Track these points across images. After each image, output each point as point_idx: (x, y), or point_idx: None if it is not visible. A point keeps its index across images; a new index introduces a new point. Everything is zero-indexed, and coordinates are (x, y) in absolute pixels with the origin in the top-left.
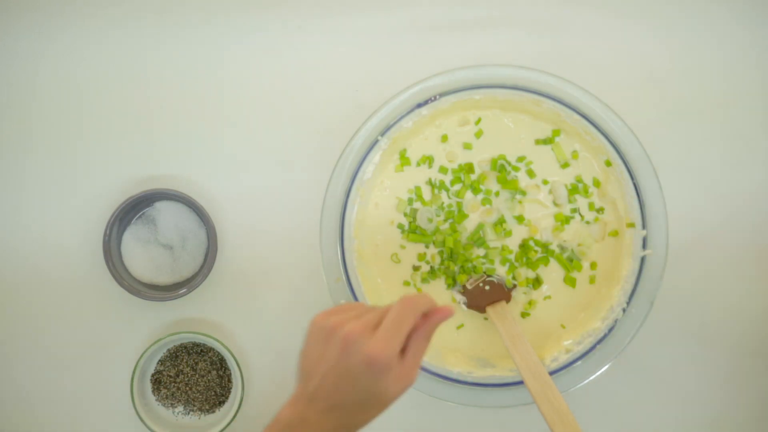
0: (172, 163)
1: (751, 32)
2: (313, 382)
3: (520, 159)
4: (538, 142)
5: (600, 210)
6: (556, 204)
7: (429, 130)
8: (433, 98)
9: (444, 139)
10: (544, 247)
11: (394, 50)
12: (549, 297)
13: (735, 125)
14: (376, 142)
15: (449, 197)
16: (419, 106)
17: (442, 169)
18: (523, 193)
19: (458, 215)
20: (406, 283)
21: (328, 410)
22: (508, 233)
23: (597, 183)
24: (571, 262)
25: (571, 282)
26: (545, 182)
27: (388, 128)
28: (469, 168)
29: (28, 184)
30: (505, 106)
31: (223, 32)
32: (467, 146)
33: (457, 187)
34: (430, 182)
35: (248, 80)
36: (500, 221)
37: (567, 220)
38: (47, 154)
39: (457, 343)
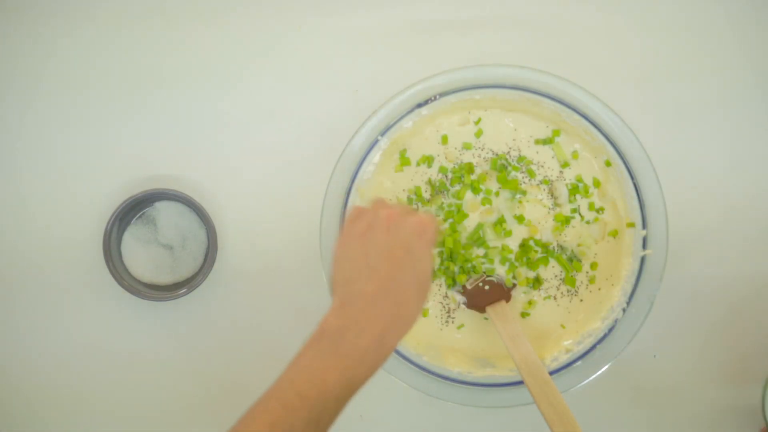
0: (172, 164)
1: (750, 32)
2: (361, 277)
3: (521, 159)
4: (537, 141)
5: (600, 210)
6: (556, 204)
7: (429, 130)
8: (433, 98)
9: (444, 139)
10: (544, 247)
11: (394, 50)
12: (549, 297)
13: (735, 125)
14: (376, 142)
15: (449, 197)
16: (419, 106)
17: (442, 169)
18: (523, 192)
19: (458, 215)
20: None
21: (376, 303)
22: (508, 233)
23: (597, 183)
24: (571, 262)
25: (571, 282)
26: (545, 182)
27: (388, 128)
28: (469, 168)
29: (28, 183)
30: (505, 106)
31: (223, 33)
32: (467, 146)
33: (457, 187)
34: (430, 182)
35: (248, 80)
36: (500, 221)
37: (567, 220)
38: (47, 153)
39: (457, 343)
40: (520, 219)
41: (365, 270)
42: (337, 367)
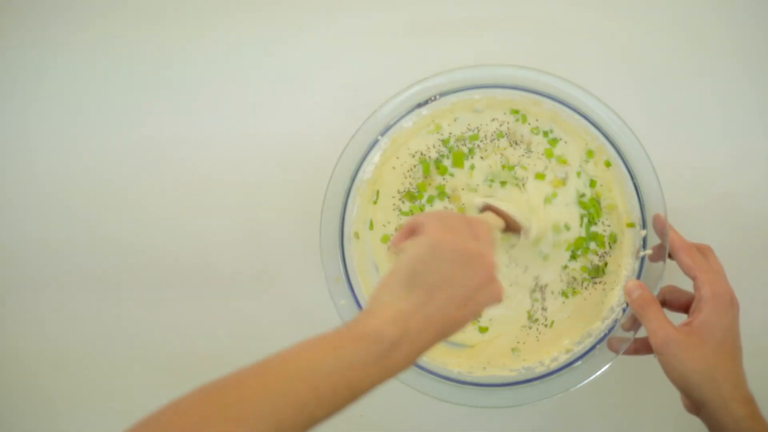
0: (172, 162)
1: (750, 33)
2: (439, 297)
3: (524, 167)
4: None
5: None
6: (528, 149)
7: (429, 129)
8: (433, 98)
9: (446, 141)
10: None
11: (393, 50)
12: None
13: (735, 124)
14: (376, 142)
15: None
16: (419, 106)
17: (446, 142)
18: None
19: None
20: None
21: (433, 319)
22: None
23: (590, 154)
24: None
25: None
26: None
27: (388, 128)
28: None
29: (27, 182)
30: (505, 106)
31: (222, 33)
32: (474, 137)
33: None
34: (446, 142)
35: (247, 80)
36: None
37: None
38: (47, 152)
39: (456, 338)
40: (539, 177)
41: (446, 295)
42: (376, 376)
